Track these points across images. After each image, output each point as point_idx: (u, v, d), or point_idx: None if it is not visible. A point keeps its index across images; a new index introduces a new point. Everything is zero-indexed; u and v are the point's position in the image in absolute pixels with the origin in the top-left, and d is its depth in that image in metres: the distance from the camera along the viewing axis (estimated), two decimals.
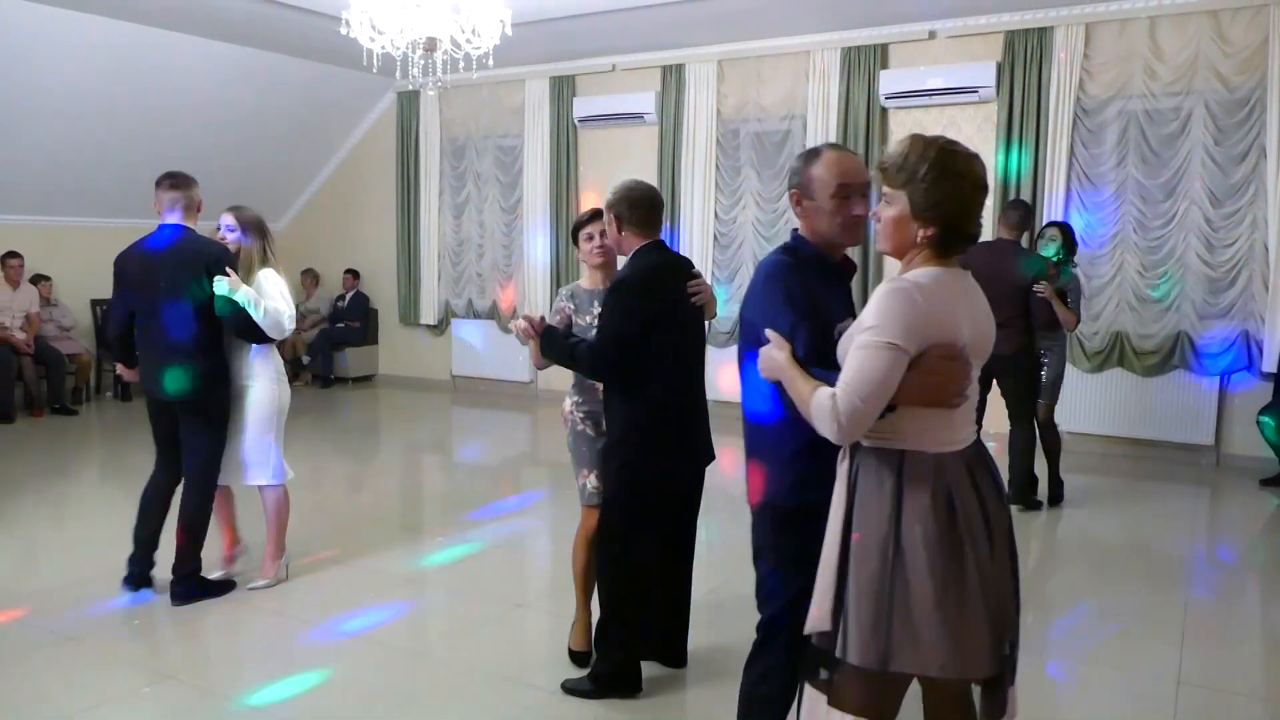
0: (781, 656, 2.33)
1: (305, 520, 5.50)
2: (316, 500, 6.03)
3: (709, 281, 8.32)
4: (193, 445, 4.13)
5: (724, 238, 8.56)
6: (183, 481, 4.21)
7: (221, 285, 3.98)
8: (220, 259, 4.07)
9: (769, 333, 2.15)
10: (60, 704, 3.26)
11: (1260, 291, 6.59)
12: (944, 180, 1.98)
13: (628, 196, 3.13)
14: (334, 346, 10.40)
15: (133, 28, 7.63)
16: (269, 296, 4.09)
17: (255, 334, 4.08)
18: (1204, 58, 6.63)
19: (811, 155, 2.36)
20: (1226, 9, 6.55)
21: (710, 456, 3.33)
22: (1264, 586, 4.77)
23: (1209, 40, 6.61)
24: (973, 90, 7.34)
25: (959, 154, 2.03)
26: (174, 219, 4.16)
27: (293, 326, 4.20)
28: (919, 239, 2.01)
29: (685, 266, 3.28)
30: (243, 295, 4.00)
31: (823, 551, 2.05)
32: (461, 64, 6.15)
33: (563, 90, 9.21)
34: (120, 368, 4.47)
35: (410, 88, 9.64)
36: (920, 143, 2.03)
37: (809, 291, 2.24)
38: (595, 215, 3.36)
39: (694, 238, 8.59)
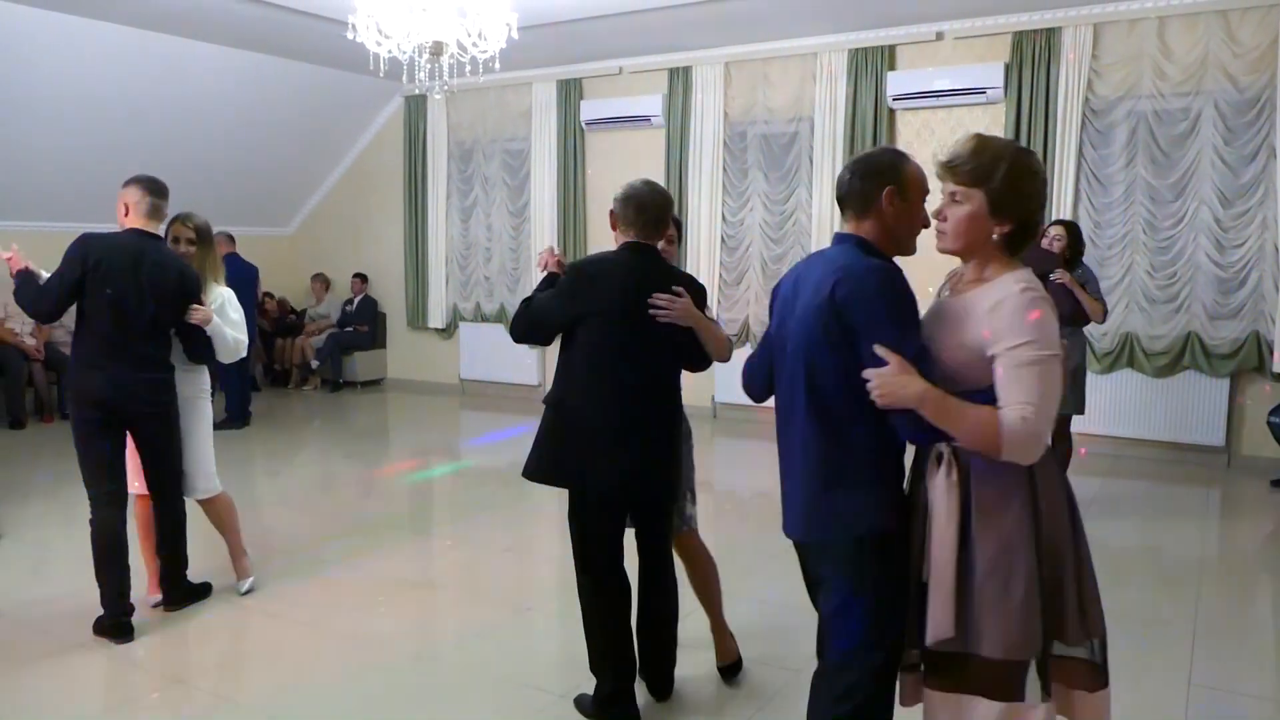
0: (867, 676, 2.17)
1: (315, 524, 5.51)
2: (326, 504, 6.05)
3: (713, 285, 8.41)
4: (164, 455, 3.96)
5: (731, 240, 8.55)
6: (152, 499, 4.01)
7: (196, 317, 3.90)
8: (197, 285, 3.98)
9: (886, 353, 1.97)
10: (70, 710, 3.27)
11: (1271, 292, 6.55)
12: (1024, 178, 2.03)
13: (625, 193, 3.06)
14: (342, 351, 10.43)
15: (139, 34, 7.66)
16: (231, 324, 4.07)
17: (207, 357, 4.07)
18: (1213, 58, 6.60)
19: (901, 154, 2.25)
20: (1236, 9, 6.52)
21: (661, 474, 3.06)
22: (1275, 588, 4.74)
23: (1218, 40, 6.58)
24: (981, 91, 7.33)
25: (1032, 153, 2.11)
26: (151, 227, 3.95)
27: (244, 352, 4.19)
28: (994, 236, 2.05)
29: (660, 277, 3.00)
30: (213, 329, 3.98)
31: (934, 561, 2.04)
32: (468, 68, 6.16)
33: (570, 93, 9.22)
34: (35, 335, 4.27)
35: (417, 92, 9.70)
36: (988, 140, 2.07)
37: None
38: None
39: (701, 240, 8.58)
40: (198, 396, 4.16)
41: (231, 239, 8.39)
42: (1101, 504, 5.90)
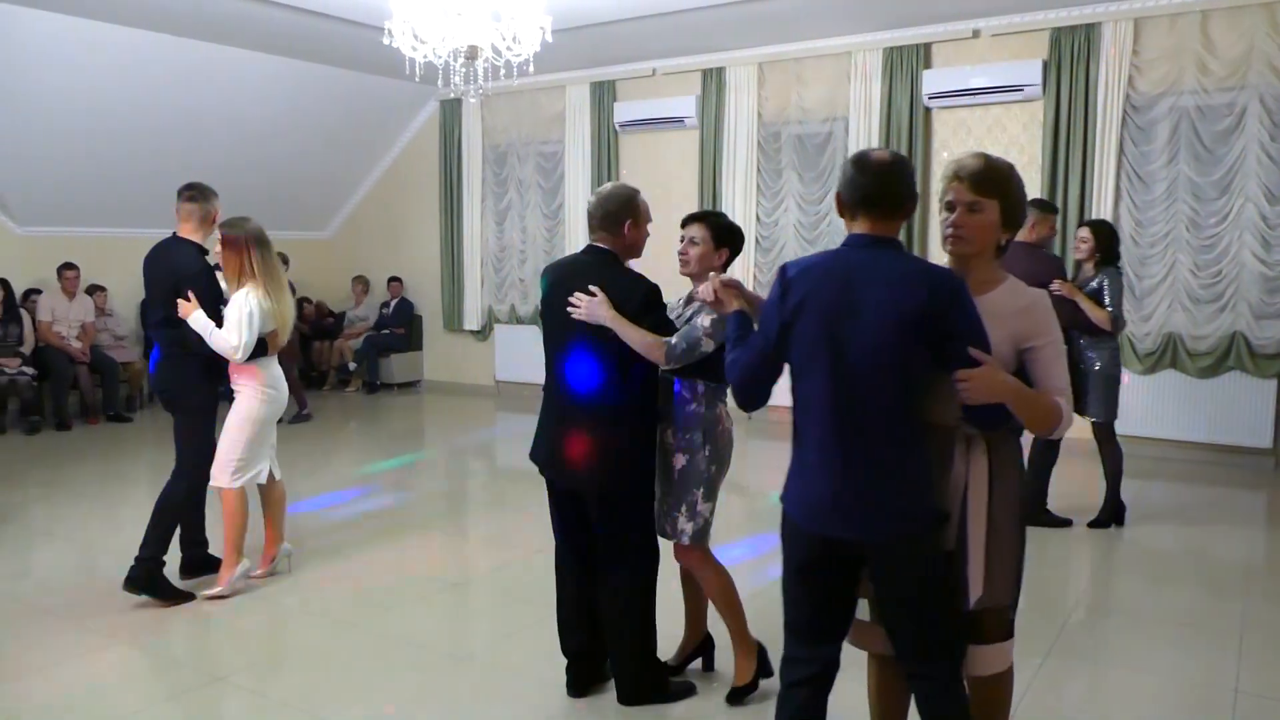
0: (958, 663, 2.30)
1: (352, 524, 5.57)
2: (364, 505, 6.10)
3: (748, 285, 8.39)
4: (178, 439, 4.30)
5: (765, 241, 8.53)
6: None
7: (180, 310, 4.14)
8: (187, 280, 4.18)
9: (979, 354, 2.10)
10: (113, 705, 3.33)
11: None
12: (1023, 193, 2.34)
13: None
14: (379, 353, 10.52)
15: (180, 41, 7.80)
16: (227, 322, 4.15)
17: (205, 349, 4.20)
18: (1259, 51, 6.48)
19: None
20: None
21: (583, 463, 3.14)
22: None
23: (1264, 33, 6.45)
24: (1018, 89, 7.24)
25: None
26: (183, 231, 4.35)
27: (242, 356, 4.16)
28: (1000, 243, 2.31)
29: (582, 274, 3.16)
30: (195, 322, 4.12)
31: (969, 530, 2.24)
32: (503, 71, 6.20)
33: (603, 95, 9.24)
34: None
35: (452, 96, 9.78)
36: (993, 158, 2.31)
37: None
38: (685, 222, 3.32)
39: None
40: (235, 390, 4.32)
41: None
42: (1144, 507, 5.80)
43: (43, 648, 3.77)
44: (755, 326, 2.49)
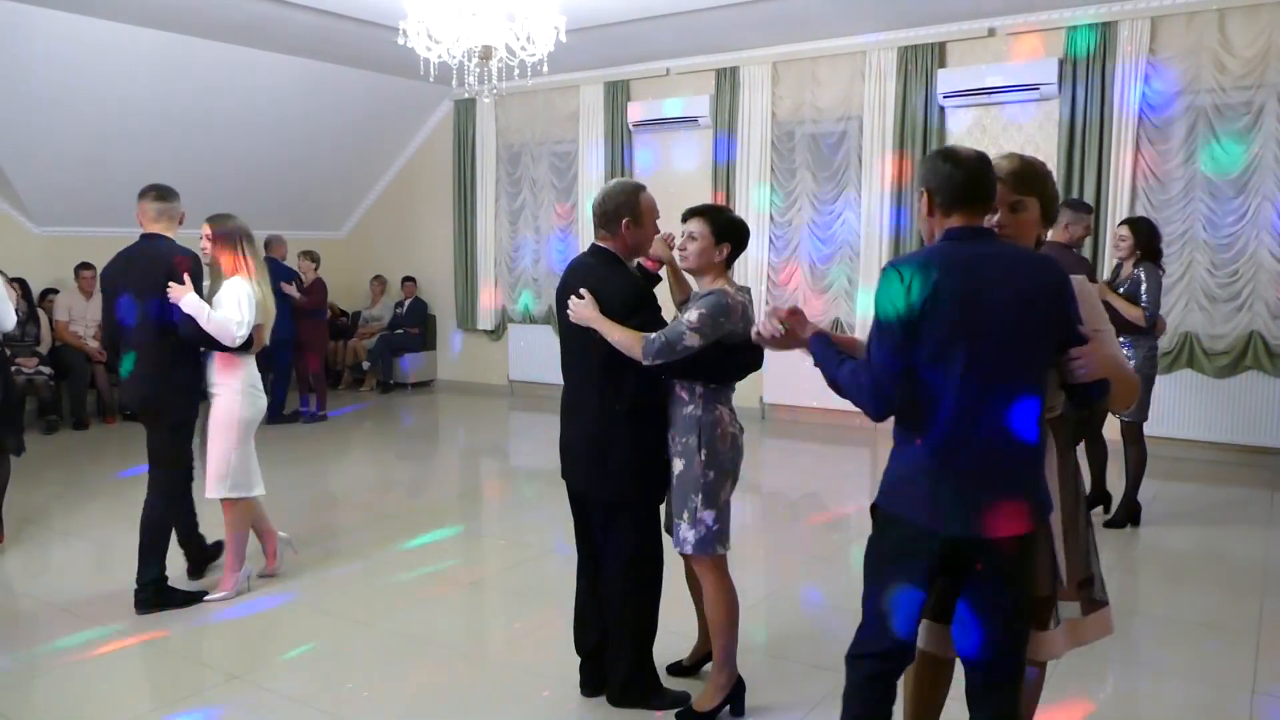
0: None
1: (368, 523, 5.59)
2: (377, 503, 6.13)
3: (761, 285, 8.38)
4: (155, 453, 4.19)
5: (779, 240, 8.52)
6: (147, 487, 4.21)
7: (171, 293, 4.02)
8: (176, 267, 4.07)
9: (1089, 333, 2.25)
10: (131, 702, 3.36)
11: None
12: (1056, 188, 2.49)
13: None
14: (394, 352, 10.55)
15: (194, 42, 7.85)
16: (223, 305, 4.09)
17: (211, 342, 4.09)
18: (1276, 49, 6.43)
19: None
20: None
21: (583, 465, 3.16)
22: None
23: None
24: (1034, 88, 7.21)
25: None
26: (155, 229, 4.23)
27: (244, 334, 4.09)
28: (1043, 238, 2.46)
29: (581, 275, 3.14)
30: (188, 303, 4.02)
31: (1052, 519, 2.32)
32: (516, 71, 6.22)
33: (617, 95, 9.25)
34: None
35: (466, 96, 9.81)
36: (1025, 156, 2.43)
37: None
38: (684, 216, 3.21)
39: (750, 240, 8.53)
40: (211, 394, 4.22)
41: (282, 241, 8.68)
42: (1162, 506, 5.77)
43: (61, 646, 3.80)
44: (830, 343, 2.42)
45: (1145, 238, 5.19)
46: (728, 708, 3.21)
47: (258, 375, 4.33)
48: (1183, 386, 6.90)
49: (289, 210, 10.42)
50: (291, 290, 8.42)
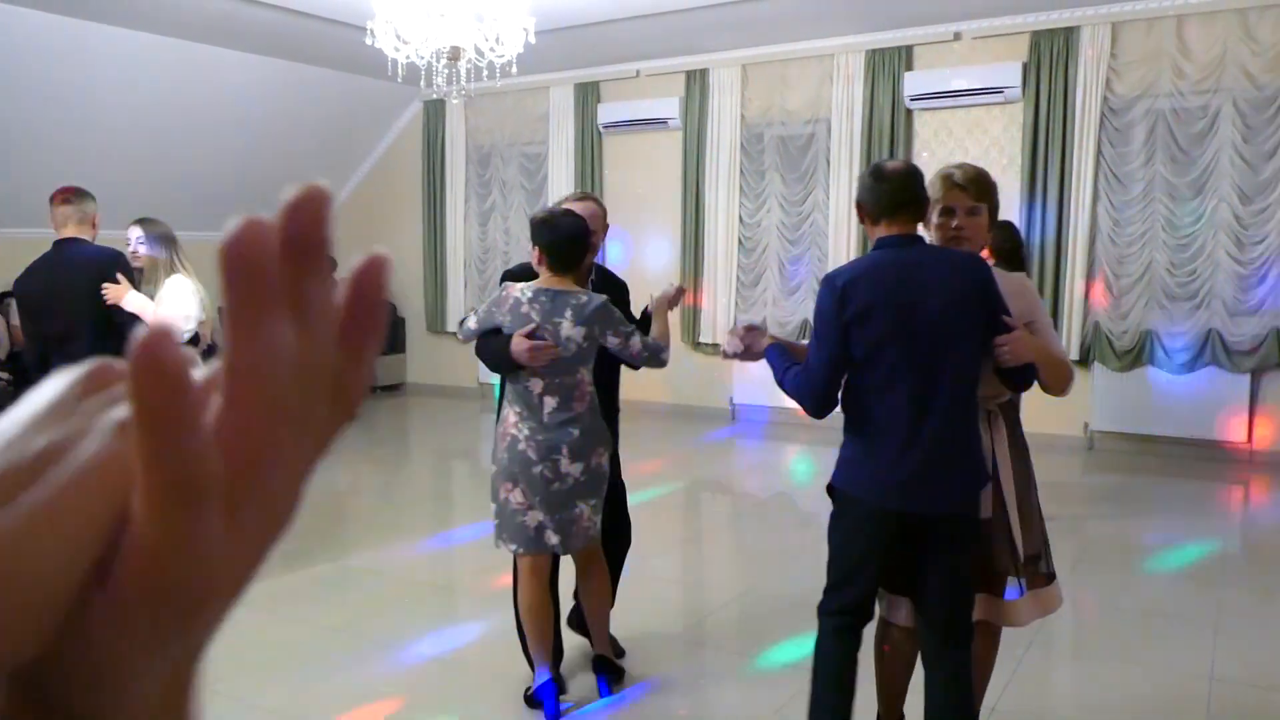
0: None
1: (337, 528, 5.56)
2: (347, 508, 6.10)
3: (730, 286, 8.44)
4: None
5: (749, 242, 8.57)
6: None
7: (108, 294, 3.95)
8: (113, 265, 4.01)
9: (1012, 321, 2.44)
10: None
11: None
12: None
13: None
14: None
15: (159, 40, 7.76)
16: (166, 302, 4.04)
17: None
18: (1232, 56, 6.58)
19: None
20: (1254, 7, 6.50)
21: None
22: None
23: (1237, 38, 6.56)
24: (998, 91, 7.32)
25: None
26: (72, 233, 4.12)
27: (191, 328, 4.03)
28: (989, 241, 2.68)
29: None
30: (130, 302, 3.96)
31: (1005, 496, 2.58)
32: (485, 72, 6.22)
33: (587, 97, 9.27)
34: None
35: (435, 96, 9.78)
36: (977, 166, 2.63)
37: None
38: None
39: (718, 242, 8.61)
40: None
41: None
42: (1123, 500, 5.88)
43: None
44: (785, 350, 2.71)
45: (1003, 243, 5.10)
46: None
47: None
48: (1144, 383, 7.03)
49: (255, 210, 10.32)
50: None
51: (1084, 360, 7.20)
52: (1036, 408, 7.32)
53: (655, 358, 3.14)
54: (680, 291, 3.40)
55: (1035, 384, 2.57)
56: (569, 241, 3.04)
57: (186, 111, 8.59)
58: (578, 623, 3.59)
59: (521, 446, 3.09)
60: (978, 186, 2.54)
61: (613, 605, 3.42)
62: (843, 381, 2.50)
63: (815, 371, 2.49)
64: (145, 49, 7.79)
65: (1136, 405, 7.04)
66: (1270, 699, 3.33)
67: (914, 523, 2.44)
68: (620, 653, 3.51)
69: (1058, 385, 2.61)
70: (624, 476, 3.54)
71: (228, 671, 3.64)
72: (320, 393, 0.29)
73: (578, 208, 3.25)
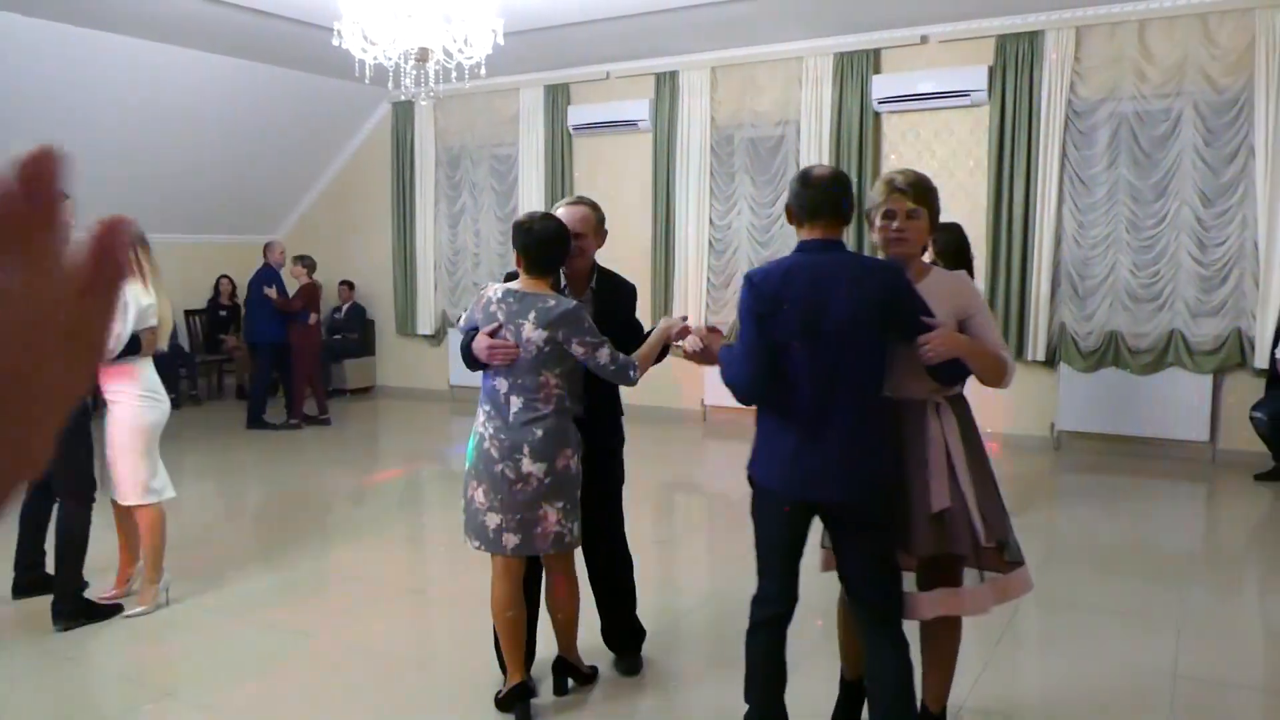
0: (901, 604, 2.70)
1: (307, 532, 5.51)
2: (317, 512, 6.05)
3: (701, 288, 8.46)
4: (56, 464, 3.90)
5: (719, 244, 8.59)
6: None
7: None
8: None
9: (933, 321, 2.52)
10: None
11: (1251, 289, 6.64)
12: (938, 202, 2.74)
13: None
14: (333, 358, 10.40)
15: (124, 40, 7.66)
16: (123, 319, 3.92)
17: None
18: (1192, 60, 6.69)
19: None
20: (1214, 12, 6.61)
21: None
22: (1260, 580, 4.80)
23: (1197, 43, 6.66)
24: (965, 94, 7.39)
25: None
26: None
27: (118, 347, 3.88)
28: (929, 243, 2.76)
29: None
30: None
31: (961, 483, 2.62)
32: (454, 74, 6.19)
33: (557, 99, 9.25)
34: None
35: (404, 98, 9.73)
36: (917, 171, 2.73)
37: None
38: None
39: (689, 244, 8.62)
40: (110, 400, 4.05)
41: (275, 246, 9.09)
42: (1088, 499, 5.95)
43: None
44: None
45: (947, 246, 5.13)
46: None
47: (157, 380, 4.15)
48: (1108, 383, 7.12)
49: (223, 213, 10.24)
50: (271, 293, 8.53)
51: (1050, 361, 7.29)
52: (1005, 408, 7.46)
53: (622, 373, 3.07)
54: (684, 331, 3.20)
55: (972, 378, 2.68)
56: (541, 245, 3.05)
57: (154, 113, 8.48)
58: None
59: (486, 445, 3.12)
60: (916, 190, 2.64)
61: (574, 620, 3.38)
62: (769, 369, 2.60)
63: (738, 358, 2.68)
64: (112, 50, 7.69)
65: (1102, 405, 7.13)
66: (1232, 696, 3.39)
67: (822, 511, 2.63)
68: (592, 672, 3.48)
69: (991, 378, 2.66)
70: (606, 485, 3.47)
71: (193, 676, 3.60)
72: (54, 340, 0.31)
73: (567, 211, 3.27)
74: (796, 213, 2.62)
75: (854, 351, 2.51)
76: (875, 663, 2.64)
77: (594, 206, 3.35)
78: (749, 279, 2.61)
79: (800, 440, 2.56)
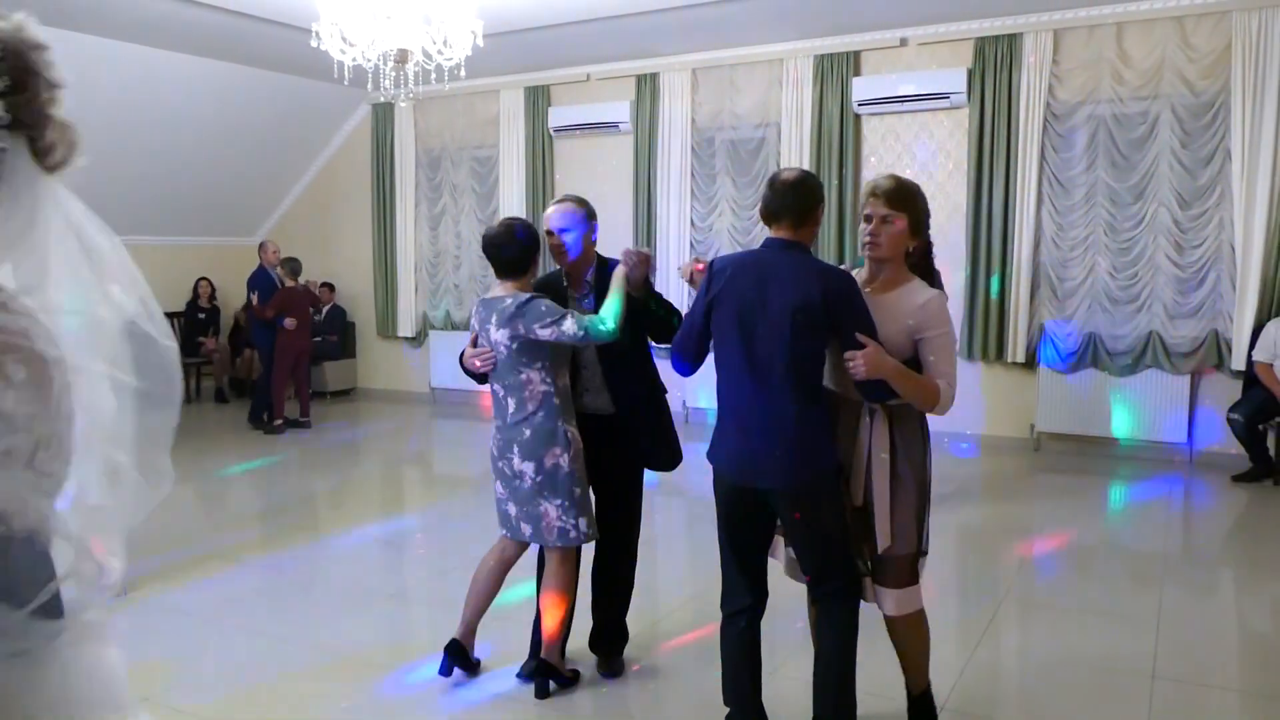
0: (853, 593, 2.80)
1: (282, 536, 5.46)
2: (294, 516, 5.99)
3: (682, 290, 8.46)
4: None
5: (700, 245, 8.59)
6: None
7: None
8: None
9: (865, 339, 2.56)
10: None
11: (1228, 291, 6.69)
12: (926, 208, 2.78)
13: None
14: (313, 361, 10.31)
15: (102, 42, 7.58)
16: None
17: None
18: (1170, 63, 6.73)
19: (816, 176, 2.90)
20: (1191, 15, 6.66)
21: None
22: (1237, 581, 4.83)
23: (1174, 46, 6.71)
24: (944, 96, 7.41)
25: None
26: None
27: None
28: (909, 249, 2.75)
29: None
30: None
31: (875, 488, 2.69)
32: (434, 75, 6.15)
33: (538, 100, 9.23)
34: None
35: (384, 99, 9.68)
36: (903, 179, 2.77)
37: None
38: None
39: (670, 246, 8.61)
40: None
41: (266, 246, 9.10)
42: (1067, 500, 5.97)
43: None
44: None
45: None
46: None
47: None
48: (1087, 385, 7.16)
49: (202, 215, 10.16)
50: (253, 299, 8.64)
51: (1029, 363, 7.32)
52: (986, 410, 7.46)
53: (594, 332, 3.10)
54: (638, 257, 3.27)
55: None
56: (490, 246, 3.27)
57: (131, 115, 8.40)
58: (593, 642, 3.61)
59: (491, 443, 3.38)
60: (890, 196, 2.70)
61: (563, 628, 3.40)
62: (703, 352, 2.85)
63: (681, 331, 2.91)
64: (87, 50, 7.60)
65: (1080, 407, 7.16)
66: (1210, 696, 3.40)
67: (756, 497, 2.73)
68: (574, 676, 3.47)
69: (918, 403, 2.68)
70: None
71: (168, 681, 3.55)
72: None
73: (553, 209, 3.39)
74: (763, 213, 2.75)
75: (784, 347, 2.60)
76: (817, 637, 2.84)
77: (580, 203, 3.39)
78: (711, 264, 2.81)
79: (735, 428, 2.72)
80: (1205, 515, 6.02)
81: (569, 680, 3.41)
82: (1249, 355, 6.41)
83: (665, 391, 3.58)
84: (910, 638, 2.88)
